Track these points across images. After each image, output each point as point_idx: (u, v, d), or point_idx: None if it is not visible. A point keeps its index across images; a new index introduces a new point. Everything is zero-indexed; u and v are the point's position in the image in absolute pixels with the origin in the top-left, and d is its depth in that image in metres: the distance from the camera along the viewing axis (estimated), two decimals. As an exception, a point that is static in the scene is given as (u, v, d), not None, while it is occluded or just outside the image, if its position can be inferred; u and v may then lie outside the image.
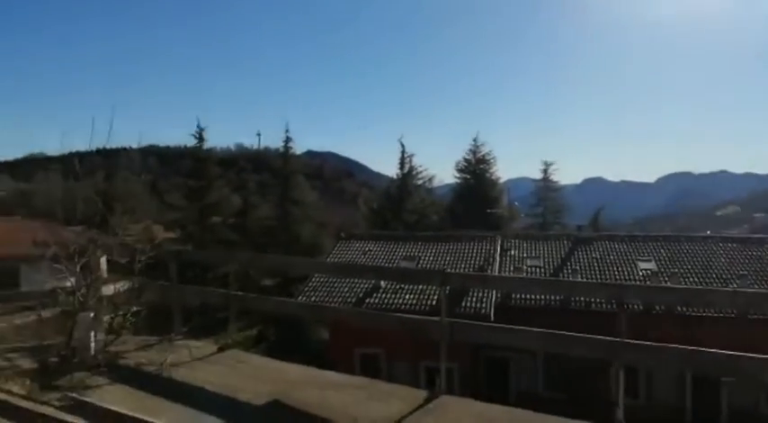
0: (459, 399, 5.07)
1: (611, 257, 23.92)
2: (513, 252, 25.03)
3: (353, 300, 21.64)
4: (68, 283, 6.11)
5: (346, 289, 22.39)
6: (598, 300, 20.34)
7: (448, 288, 5.51)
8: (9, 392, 4.78)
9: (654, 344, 4.44)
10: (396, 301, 21.18)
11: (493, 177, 42.95)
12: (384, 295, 21.78)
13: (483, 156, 42.70)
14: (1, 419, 4.23)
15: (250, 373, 5.80)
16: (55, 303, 6.29)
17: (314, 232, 36.79)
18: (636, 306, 17.97)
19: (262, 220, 37.05)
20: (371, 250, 25.79)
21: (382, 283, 21.85)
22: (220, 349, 6.54)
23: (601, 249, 24.58)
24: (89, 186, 7.32)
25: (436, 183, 46.88)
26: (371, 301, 21.55)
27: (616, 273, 22.89)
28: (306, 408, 4.75)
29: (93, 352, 5.69)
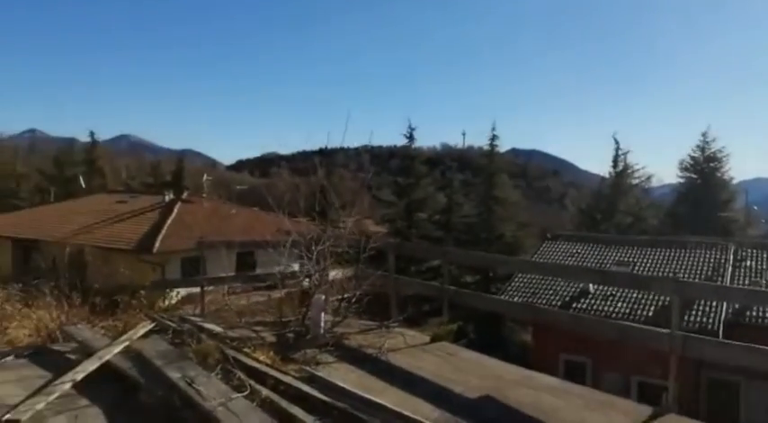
0: (692, 421, 4.58)
1: None
2: (749, 263, 21.73)
3: (558, 303, 20.78)
4: (297, 267, 6.85)
5: (551, 291, 21.60)
6: None
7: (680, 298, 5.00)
8: (256, 360, 5.49)
9: None
10: (606, 308, 19.85)
11: (725, 177, 37.60)
12: (593, 301, 20.56)
13: (713, 153, 37.50)
14: (252, 382, 4.87)
15: (461, 366, 5.92)
16: (286, 285, 7.09)
17: (516, 231, 36.19)
18: None
19: (465, 218, 37.41)
20: (579, 252, 24.47)
21: (591, 287, 20.67)
22: (432, 340, 6.78)
23: None
24: (314, 182, 8.11)
25: (654, 182, 42.67)
26: (579, 306, 20.47)
27: None
28: (519, 407, 4.70)
29: (322, 331, 6.31)
